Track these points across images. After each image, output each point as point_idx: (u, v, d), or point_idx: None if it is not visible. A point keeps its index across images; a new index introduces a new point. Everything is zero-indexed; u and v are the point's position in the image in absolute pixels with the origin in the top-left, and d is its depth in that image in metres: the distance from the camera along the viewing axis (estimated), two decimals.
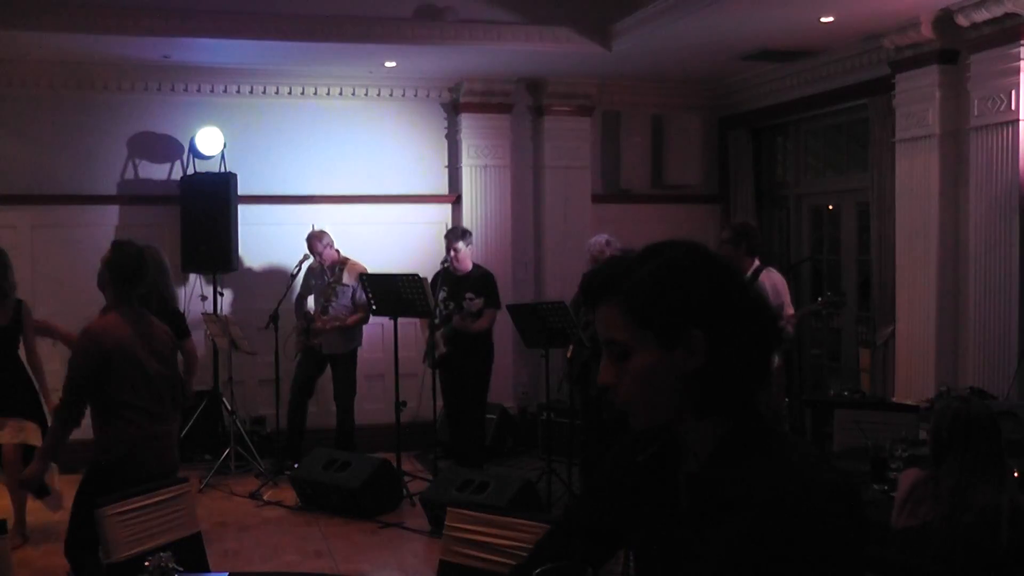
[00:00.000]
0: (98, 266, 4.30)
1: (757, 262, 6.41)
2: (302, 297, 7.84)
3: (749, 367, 1.51)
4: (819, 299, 6.82)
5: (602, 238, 6.73)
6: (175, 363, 4.51)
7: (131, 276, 4.22)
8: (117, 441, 4.14)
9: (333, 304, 7.47)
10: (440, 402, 7.30)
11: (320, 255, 7.58)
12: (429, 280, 7.11)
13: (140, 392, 4.17)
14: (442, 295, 7.19)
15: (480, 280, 7.25)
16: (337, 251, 7.68)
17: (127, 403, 4.14)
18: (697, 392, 1.50)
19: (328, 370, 7.68)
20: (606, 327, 1.54)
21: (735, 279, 1.54)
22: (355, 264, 7.60)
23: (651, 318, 1.49)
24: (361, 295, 7.36)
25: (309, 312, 7.63)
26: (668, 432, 1.59)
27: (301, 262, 7.63)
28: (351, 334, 7.61)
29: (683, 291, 1.48)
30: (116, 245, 4.35)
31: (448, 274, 7.32)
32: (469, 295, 7.09)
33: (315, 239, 7.59)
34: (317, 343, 7.49)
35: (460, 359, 7.18)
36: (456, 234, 7.36)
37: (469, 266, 7.34)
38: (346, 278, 7.48)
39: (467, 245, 7.29)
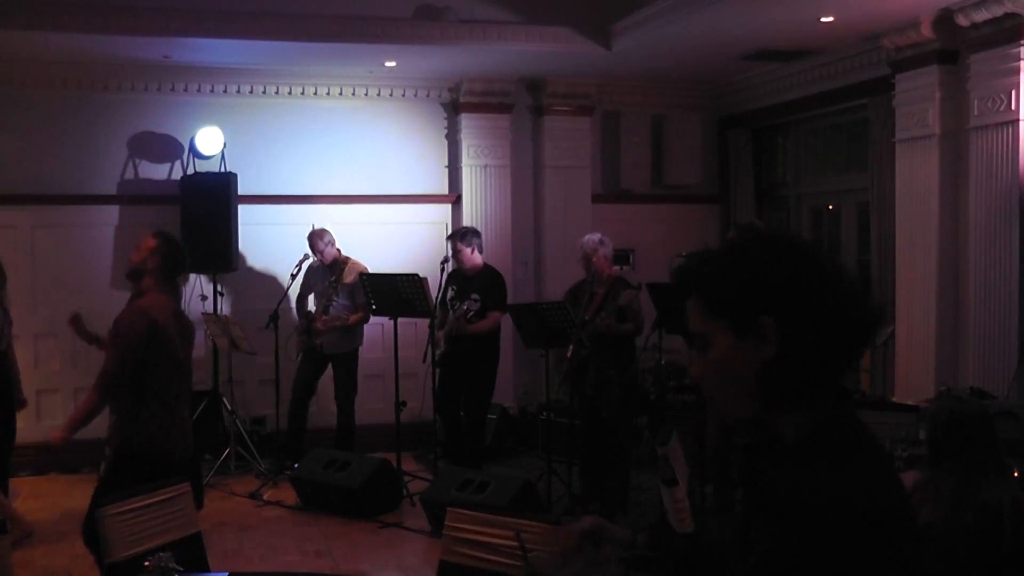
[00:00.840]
0: (132, 257, 4.37)
1: None
2: (303, 297, 7.84)
3: (826, 356, 1.48)
4: None
5: (595, 236, 6.69)
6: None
7: (182, 263, 4.41)
8: (149, 423, 4.17)
9: (334, 304, 7.48)
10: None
11: (321, 253, 7.59)
12: (439, 279, 7.10)
13: (172, 375, 4.25)
14: (451, 294, 7.17)
15: (486, 280, 7.16)
16: (338, 250, 7.69)
17: (162, 385, 4.20)
18: (772, 382, 1.49)
19: (329, 370, 7.69)
20: (691, 319, 1.57)
21: (814, 266, 1.50)
22: (356, 263, 7.60)
23: (722, 307, 1.51)
24: (361, 295, 7.35)
25: (310, 312, 7.64)
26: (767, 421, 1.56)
27: (301, 262, 7.64)
28: (352, 334, 7.61)
29: (750, 278, 1.49)
30: (163, 235, 4.44)
31: (458, 273, 7.29)
32: (474, 296, 7.06)
33: (316, 237, 7.60)
34: (319, 343, 7.49)
35: (464, 359, 7.06)
36: (456, 235, 7.30)
37: (479, 264, 7.20)
38: (347, 277, 7.49)
39: (468, 245, 7.14)
